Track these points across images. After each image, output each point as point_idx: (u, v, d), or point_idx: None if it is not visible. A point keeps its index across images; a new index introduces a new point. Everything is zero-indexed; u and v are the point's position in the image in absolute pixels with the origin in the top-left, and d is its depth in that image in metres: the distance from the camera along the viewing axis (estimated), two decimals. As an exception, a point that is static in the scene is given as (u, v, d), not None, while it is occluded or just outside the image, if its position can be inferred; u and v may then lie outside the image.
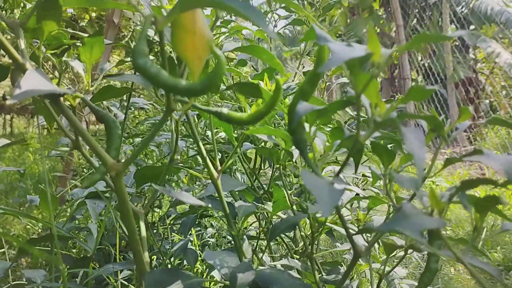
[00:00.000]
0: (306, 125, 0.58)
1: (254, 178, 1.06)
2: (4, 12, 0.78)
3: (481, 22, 7.33)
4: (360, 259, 0.85)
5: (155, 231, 1.50)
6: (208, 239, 1.83)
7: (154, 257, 1.41)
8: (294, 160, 0.76)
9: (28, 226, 2.70)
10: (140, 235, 0.70)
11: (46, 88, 0.48)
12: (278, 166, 0.81)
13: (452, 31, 7.73)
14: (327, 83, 1.38)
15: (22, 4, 0.74)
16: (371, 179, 0.89)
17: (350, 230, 0.58)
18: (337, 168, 0.86)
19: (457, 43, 7.96)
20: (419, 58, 8.23)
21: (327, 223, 0.74)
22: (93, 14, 5.19)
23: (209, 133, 1.25)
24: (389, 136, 0.61)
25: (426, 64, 7.93)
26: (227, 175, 0.98)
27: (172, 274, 0.65)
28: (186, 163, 1.54)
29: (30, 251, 0.62)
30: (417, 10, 8.42)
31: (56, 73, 0.78)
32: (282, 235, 1.13)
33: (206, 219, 1.98)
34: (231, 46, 0.66)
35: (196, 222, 1.77)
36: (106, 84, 0.76)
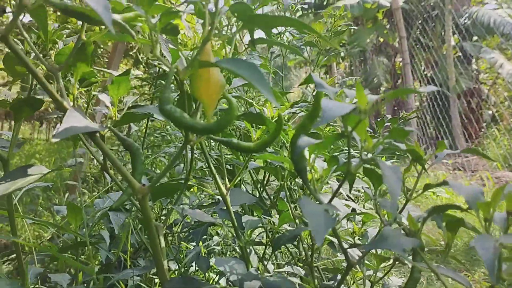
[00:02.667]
0: (307, 152, 0.68)
1: (262, 190, 1.15)
2: (37, 46, 0.88)
3: (483, 34, 7.42)
4: (358, 267, 0.95)
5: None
6: (214, 247, 1.92)
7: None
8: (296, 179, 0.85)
9: (36, 233, 2.79)
10: (160, 246, 0.79)
11: (83, 126, 0.58)
12: (283, 183, 0.90)
13: (455, 41, 7.82)
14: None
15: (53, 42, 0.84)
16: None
17: (344, 244, 0.68)
18: (335, 184, 0.96)
19: (459, 55, 8.05)
20: (422, 69, 8.32)
21: (326, 236, 0.84)
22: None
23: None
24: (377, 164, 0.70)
25: (429, 75, 8.01)
26: (238, 189, 1.07)
27: (189, 281, 0.74)
28: (193, 173, 1.64)
29: (67, 262, 0.72)
30: (420, 22, 8.53)
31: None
32: (289, 244, 1.23)
33: (212, 227, 2.07)
34: (239, 82, 0.76)
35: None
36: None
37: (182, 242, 1.65)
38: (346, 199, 0.96)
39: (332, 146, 1.11)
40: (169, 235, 1.61)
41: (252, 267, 0.82)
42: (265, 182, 1.20)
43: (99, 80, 0.76)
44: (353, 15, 8.81)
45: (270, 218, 1.02)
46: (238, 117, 0.77)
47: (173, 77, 0.74)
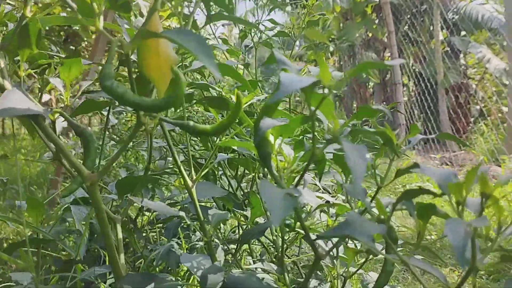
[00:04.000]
0: (272, 138, 0.63)
1: (237, 187, 1.10)
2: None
3: (471, 28, 7.41)
4: (334, 262, 0.90)
5: (144, 234, 1.54)
6: (196, 242, 1.87)
7: (142, 261, 1.45)
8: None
9: (19, 229, 2.72)
10: (116, 239, 0.74)
11: (23, 108, 0.52)
12: (254, 174, 0.85)
13: (443, 36, 7.82)
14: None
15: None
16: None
17: (313, 236, 0.63)
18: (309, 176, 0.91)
19: (447, 49, 8.05)
20: (411, 64, 8.31)
21: (296, 229, 0.79)
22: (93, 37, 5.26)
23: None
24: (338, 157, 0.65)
25: (417, 70, 8.00)
26: (208, 183, 1.02)
27: (146, 277, 0.69)
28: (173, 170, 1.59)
29: (2, 257, 0.67)
30: (408, 16, 8.51)
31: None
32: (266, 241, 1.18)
33: (196, 222, 2.03)
34: (198, 64, 0.70)
35: (185, 226, 1.81)
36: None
37: (164, 238, 1.59)
38: (322, 192, 0.92)
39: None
40: (150, 230, 1.56)
41: (217, 260, 0.77)
42: (238, 175, 1.15)
43: (47, 62, 0.70)
44: (342, 10, 8.77)
45: (243, 212, 0.98)
46: (200, 100, 0.72)
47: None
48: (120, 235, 0.75)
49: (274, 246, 1.16)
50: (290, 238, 0.94)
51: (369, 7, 9.48)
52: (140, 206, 1.55)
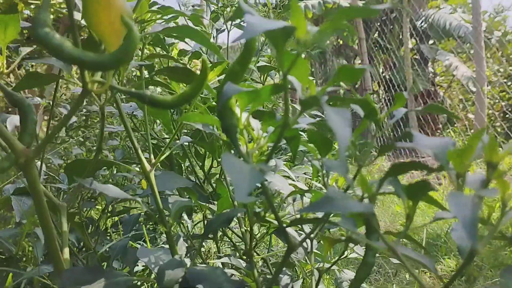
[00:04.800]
0: (238, 110, 0.54)
1: (204, 176, 1.01)
2: None
3: (439, 36, 7.52)
4: (307, 260, 0.82)
5: (108, 237, 1.43)
6: (163, 245, 1.77)
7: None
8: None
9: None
10: (61, 230, 0.65)
11: None
12: (220, 159, 0.77)
13: (412, 44, 7.92)
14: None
15: None
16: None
17: (284, 225, 0.55)
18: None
19: (416, 57, 8.15)
20: (381, 70, 8.38)
21: (266, 218, 0.71)
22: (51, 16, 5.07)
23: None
24: (323, 124, 0.58)
25: (387, 76, 8.07)
26: (170, 172, 0.93)
27: (94, 272, 0.60)
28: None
29: None
30: (378, 24, 8.59)
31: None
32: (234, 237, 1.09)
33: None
34: (159, 27, 0.62)
35: (152, 228, 1.71)
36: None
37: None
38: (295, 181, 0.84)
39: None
40: (114, 232, 1.45)
41: (177, 254, 0.68)
42: (206, 165, 1.07)
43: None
44: (314, 16, 8.78)
45: (208, 205, 0.89)
46: (160, 71, 0.63)
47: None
48: (65, 227, 0.66)
49: (243, 242, 1.08)
50: (260, 232, 0.86)
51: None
52: (103, 207, 1.45)
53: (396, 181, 0.48)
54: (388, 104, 7.42)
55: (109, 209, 1.36)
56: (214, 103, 0.81)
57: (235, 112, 0.53)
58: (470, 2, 7.38)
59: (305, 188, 0.73)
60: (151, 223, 1.62)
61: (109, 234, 1.48)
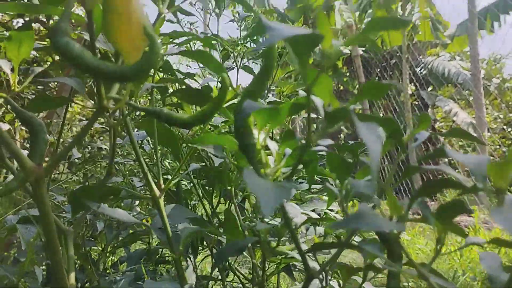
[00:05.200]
0: (256, 132, 0.53)
1: (211, 208, 0.98)
2: None
3: (439, 83, 7.62)
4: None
5: (107, 278, 1.38)
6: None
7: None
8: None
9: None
10: (67, 256, 0.61)
11: None
12: (230, 187, 0.74)
13: (411, 90, 8.00)
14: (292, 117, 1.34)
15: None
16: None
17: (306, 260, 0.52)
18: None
19: (416, 102, 8.22)
20: (381, 115, 8.44)
21: (279, 248, 0.68)
22: (57, 57, 5.14)
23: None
24: (345, 146, 0.56)
25: (388, 121, 8.11)
26: (180, 206, 0.90)
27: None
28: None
29: None
30: (378, 70, 8.73)
31: None
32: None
33: (162, 265, 1.87)
34: (175, 49, 0.61)
35: (151, 269, 1.65)
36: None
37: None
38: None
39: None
40: (114, 272, 1.40)
41: (187, 283, 0.64)
42: (214, 197, 1.04)
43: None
44: (314, 62, 8.93)
45: (215, 237, 0.86)
46: (174, 93, 0.62)
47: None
48: (72, 252, 0.62)
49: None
50: (271, 267, 0.82)
51: (340, 60, 9.69)
52: (102, 247, 1.41)
53: (423, 204, 0.46)
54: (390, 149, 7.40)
55: (109, 249, 1.32)
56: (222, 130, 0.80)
57: (252, 131, 0.51)
58: (468, 50, 7.53)
59: (317, 216, 0.71)
60: (151, 263, 1.58)
61: (108, 273, 1.43)
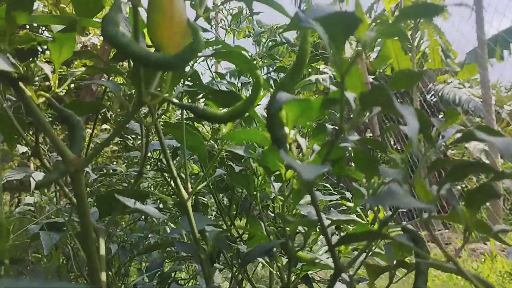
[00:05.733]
0: (287, 129, 0.54)
1: (230, 223, 0.99)
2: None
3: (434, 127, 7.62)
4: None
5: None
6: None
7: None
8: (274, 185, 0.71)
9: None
10: (98, 255, 0.63)
11: (1, 67, 0.45)
12: (255, 193, 0.76)
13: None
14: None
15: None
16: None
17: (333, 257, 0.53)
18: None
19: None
20: (392, 142, 8.43)
21: (303, 252, 0.69)
22: (72, 85, 5.23)
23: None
24: (372, 140, 0.58)
25: (399, 148, 8.10)
26: (200, 214, 0.92)
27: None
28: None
29: None
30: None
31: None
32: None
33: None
34: (207, 51, 0.64)
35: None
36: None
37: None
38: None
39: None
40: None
41: (214, 283, 0.65)
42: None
43: (41, 40, 0.63)
44: (325, 89, 8.99)
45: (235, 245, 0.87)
46: (205, 95, 0.64)
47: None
48: (103, 251, 0.64)
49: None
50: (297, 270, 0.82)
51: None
52: (115, 270, 1.41)
53: (450, 190, 0.47)
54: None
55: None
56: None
57: (284, 124, 0.53)
58: (477, 77, 7.56)
59: (342, 216, 0.71)
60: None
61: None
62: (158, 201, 1.29)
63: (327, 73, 8.24)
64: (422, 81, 7.77)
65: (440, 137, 0.56)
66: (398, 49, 7.63)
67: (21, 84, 0.52)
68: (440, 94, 7.89)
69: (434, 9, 0.40)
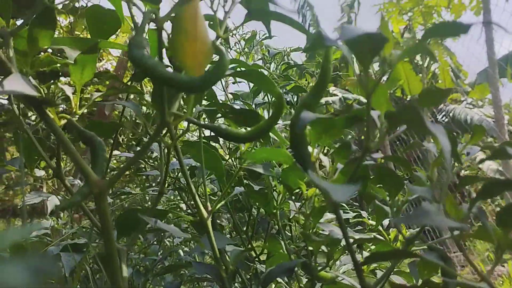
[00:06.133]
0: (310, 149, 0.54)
1: (248, 243, 0.98)
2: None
3: (462, 130, 7.58)
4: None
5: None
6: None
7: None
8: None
9: None
10: (121, 276, 0.62)
11: (26, 91, 0.45)
12: (275, 211, 0.75)
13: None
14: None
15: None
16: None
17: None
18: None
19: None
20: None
21: (324, 273, 0.67)
22: (85, 111, 5.30)
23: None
24: (398, 158, 0.57)
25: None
26: (218, 233, 0.91)
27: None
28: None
29: None
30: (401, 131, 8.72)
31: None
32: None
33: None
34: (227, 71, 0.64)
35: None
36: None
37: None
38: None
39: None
40: None
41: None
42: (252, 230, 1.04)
43: (62, 62, 0.64)
44: (335, 111, 9.00)
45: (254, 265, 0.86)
46: (225, 114, 0.64)
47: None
48: (126, 272, 0.63)
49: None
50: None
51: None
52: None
53: (480, 209, 0.46)
54: (415, 198, 7.30)
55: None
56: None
57: (307, 143, 0.52)
58: (488, 97, 7.53)
59: (365, 236, 0.70)
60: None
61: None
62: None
63: (337, 95, 8.24)
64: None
65: (466, 155, 0.55)
66: (408, 70, 7.63)
67: (43, 106, 0.52)
68: (451, 114, 7.85)
69: (459, 28, 0.40)
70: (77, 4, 2.01)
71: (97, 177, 0.53)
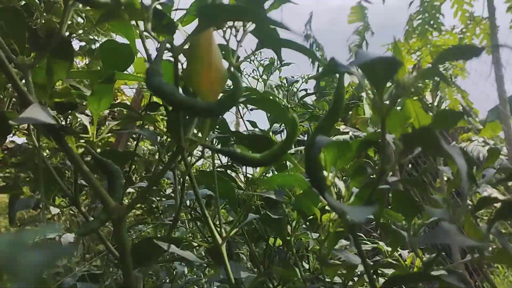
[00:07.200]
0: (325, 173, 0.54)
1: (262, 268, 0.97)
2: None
3: (474, 166, 7.50)
4: None
5: None
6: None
7: None
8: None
9: None
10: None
11: (45, 120, 0.47)
12: (288, 238, 0.74)
13: (447, 176, 7.87)
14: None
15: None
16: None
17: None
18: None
19: (453, 189, 8.06)
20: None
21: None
22: (98, 150, 5.37)
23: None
24: (414, 181, 0.57)
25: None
26: (234, 262, 0.90)
27: None
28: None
29: None
30: (412, 156, 8.68)
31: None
32: None
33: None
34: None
35: None
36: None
37: None
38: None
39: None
40: None
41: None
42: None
43: (76, 93, 0.65)
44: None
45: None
46: (239, 140, 0.65)
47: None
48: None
49: None
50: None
51: (372, 149, 9.74)
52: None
53: (499, 232, 0.46)
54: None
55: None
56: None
57: (322, 167, 0.52)
58: (500, 135, 7.48)
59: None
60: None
61: None
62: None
63: (348, 133, 8.25)
64: (444, 140, 7.70)
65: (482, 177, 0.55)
66: (418, 108, 7.65)
67: (62, 134, 0.53)
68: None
69: (472, 50, 0.40)
70: (93, 46, 2.06)
71: (115, 203, 0.54)
